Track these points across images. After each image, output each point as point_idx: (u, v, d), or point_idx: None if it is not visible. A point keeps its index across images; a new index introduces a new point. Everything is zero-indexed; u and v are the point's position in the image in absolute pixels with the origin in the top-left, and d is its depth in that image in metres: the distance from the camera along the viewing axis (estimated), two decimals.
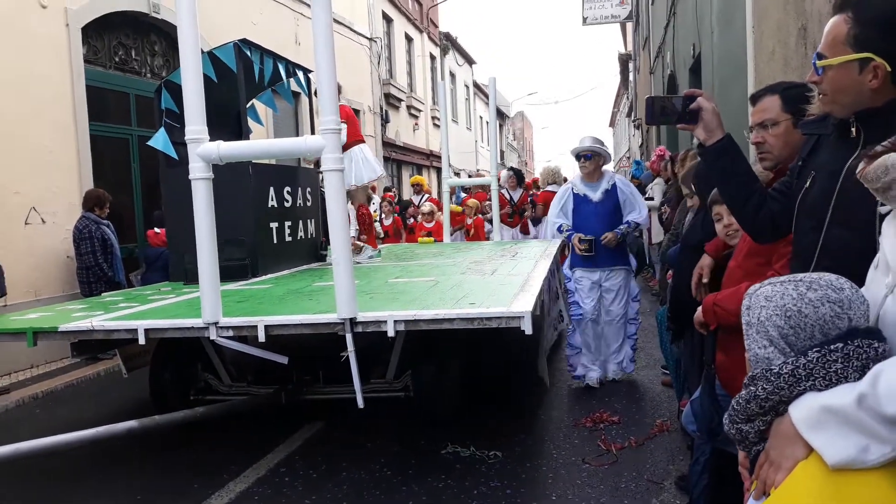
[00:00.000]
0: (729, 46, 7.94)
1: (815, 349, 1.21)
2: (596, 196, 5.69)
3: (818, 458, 1.15)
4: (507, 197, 10.98)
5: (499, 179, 10.98)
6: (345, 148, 5.55)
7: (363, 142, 7.14)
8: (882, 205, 1.35)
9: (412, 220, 11.88)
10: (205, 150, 3.98)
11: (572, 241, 5.70)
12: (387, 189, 15.22)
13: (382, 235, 11.02)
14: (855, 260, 1.48)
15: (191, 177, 4.00)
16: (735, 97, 7.29)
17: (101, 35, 9.19)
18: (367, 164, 6.98)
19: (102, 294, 6.54)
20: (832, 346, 1.20)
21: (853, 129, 1.73)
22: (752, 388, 1.28)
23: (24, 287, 7.49)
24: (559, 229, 5.82)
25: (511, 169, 12.04)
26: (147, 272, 8.57)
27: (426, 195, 12.82)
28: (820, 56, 1.70)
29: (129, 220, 9.43)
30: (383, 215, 11.64)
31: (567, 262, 6.02)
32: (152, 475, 4.39)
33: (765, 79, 6.10)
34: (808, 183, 1.87)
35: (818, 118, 1.96)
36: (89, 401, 6.37)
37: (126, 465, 4.56)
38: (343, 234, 3.91)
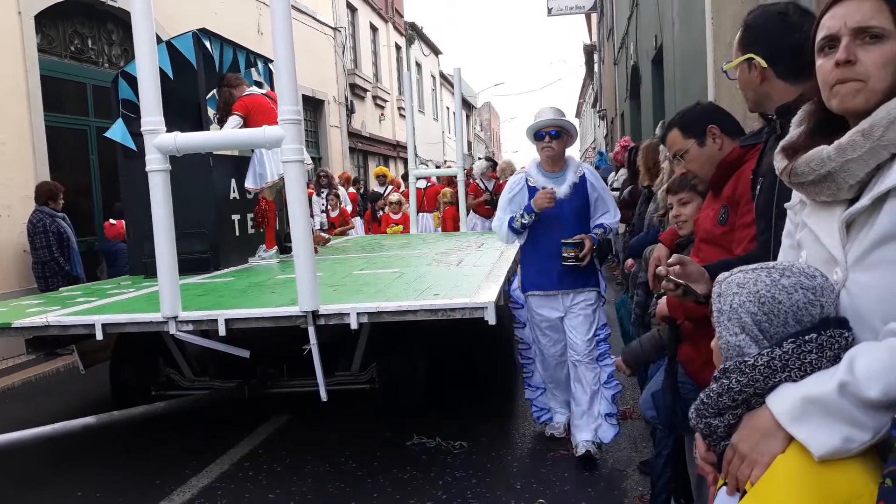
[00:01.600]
0: (689, 38, 8.03)
1: (789, 340, 1.20)
2: (560, 191, 4.12)
3: (796, 450, 1.14)
4: (483, 187, 10.96)
5: (469, 170, 10.96)
6: None
7: None
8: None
9: (381, 211, 11.80)
10: (161, 142, 3.90)
11: (563, 252, 4.05)
12: (355, 181, 15.10)
13: (327, 227, 10.80)
14: None
15: (147, 168, 3.93)
16: (696, 88, 7.38)
17: (55, 23, 8.96)
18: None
19: (60, 289, 6.41)
20: (807, 337, 1.19)
21: (778, 128, 1.84)
22: (724, 380, 1.26)
23: None
24: (511, 224, 4.17)
25: (488, 159, 12.04)
26: (107, 267, 8.43)
27: (390, 186, 12.73)
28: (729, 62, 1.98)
29: (88, 212, 9.24)
30: (329, 207, 11.32)
31: (516, 282, 4.44)
32: (112, 472, 4.32)
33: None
34: (757, 190, 1.94)
35: (755, 132, 2.15)
36: (47, 398, 6.24)
37: (85, 463, 4.48)
38: (304, 225, 3.87)
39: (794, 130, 1.40)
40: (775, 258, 1.73)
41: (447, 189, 11.17)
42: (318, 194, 10.89)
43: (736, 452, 1.24)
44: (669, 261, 1.92)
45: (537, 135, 4.16)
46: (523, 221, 4.12)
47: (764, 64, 1.87)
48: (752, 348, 1.25)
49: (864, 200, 1.21)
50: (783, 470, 1.15)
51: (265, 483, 4.06)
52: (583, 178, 4.23)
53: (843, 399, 1.11)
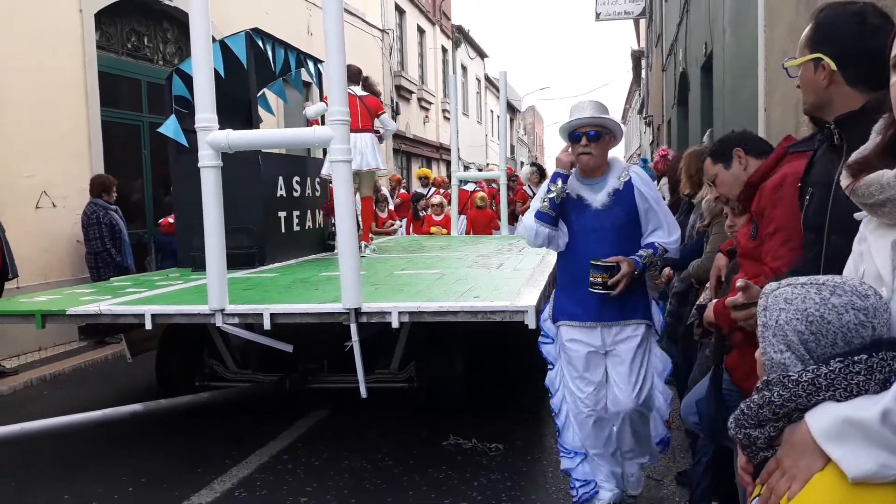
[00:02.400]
0: (741, 46, 7.91)
1: (837, 359, 1.15)
2: (597, 200, 3.34)
3: (834, 471, 1.12)
4: (530, 193, 10.96)
5: (509, 174, 10.93)
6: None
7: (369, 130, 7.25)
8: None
9: (423, 212, 11.87)
10: (214, 138, 4.00)
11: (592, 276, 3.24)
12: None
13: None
14: None
15: (200, 164, 4.03)
16: (746, 97, 7.27)
17: (113, 21, 9.22)
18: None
19: (111, 279, 6.60)
20: (856, 357, 1.13)
21: (835, 137, 1.77)
22: (766, 392, 1.22)
23: (33, 270, 7.54)
24: (538, 212, 3.34)
25: (533, 164, 12.02)
26: (158, 259, 8.64)
27: (433, 188, 12.79)
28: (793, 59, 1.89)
29: (139, 206, 9.49)
30: (376, 209, 11.23)
31: (547, 311, 3.58)
32: (156, 459, 4.44)
33: (775, 79, 6.08)
34: (807, 200, 1.89)
35: (806, 138, 2.12)
36: (96, 384, 6.43)
37: (130, 448, 4.61)
38: (349, 224, 3.93)
39: (869, 142, 1.33)
40: (828, 272, 1.70)
41: (481, 193, 11.17)
42: None
43: (779, 466, 1.23)
44: (737, 285, 1.91)
45: (572, 135, 3.35)
46: (550, 196, 3.31)
47: (833, 66, 1.76)
48: (797, 367, 1.20)
49: None
50: (819, 489, 1.13)
51: (303, 476, 4.13)
52: (628, 185, 3.36)
53: (885, 427, 1.07)
